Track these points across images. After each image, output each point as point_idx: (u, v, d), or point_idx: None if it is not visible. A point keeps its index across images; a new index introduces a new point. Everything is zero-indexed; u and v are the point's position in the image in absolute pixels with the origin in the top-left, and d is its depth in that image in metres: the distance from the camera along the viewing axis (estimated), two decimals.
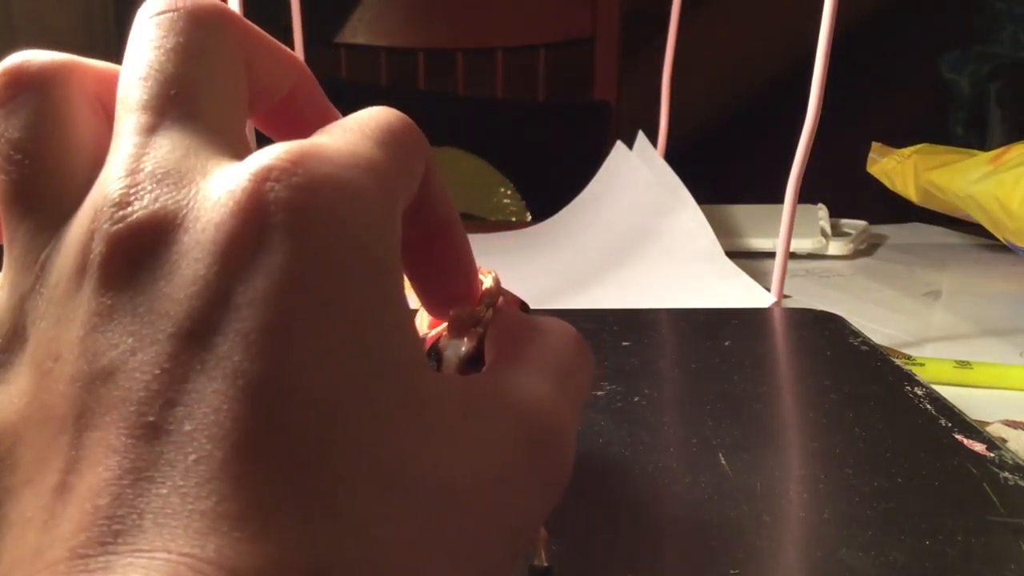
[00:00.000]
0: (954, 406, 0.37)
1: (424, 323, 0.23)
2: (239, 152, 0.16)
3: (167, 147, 0.16)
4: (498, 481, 0.16)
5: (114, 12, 1.34)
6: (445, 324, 0.22)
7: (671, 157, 0.76)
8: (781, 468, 0.32)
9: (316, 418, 0.14)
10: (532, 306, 0.25)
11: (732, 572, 0.25)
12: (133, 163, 0.16)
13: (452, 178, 1.18)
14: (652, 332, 0.49)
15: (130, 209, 0.15)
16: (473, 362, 0.20)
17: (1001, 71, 1.90)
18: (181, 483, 0.13)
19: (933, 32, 2.00)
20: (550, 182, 0.97)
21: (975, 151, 0.70)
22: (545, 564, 0.24)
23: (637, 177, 0.77)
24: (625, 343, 0.45)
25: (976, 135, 1.92)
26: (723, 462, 0.32)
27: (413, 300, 0.20)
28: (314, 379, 0.14)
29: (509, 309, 0.22)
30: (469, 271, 0.22)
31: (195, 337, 0.14)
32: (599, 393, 0.38)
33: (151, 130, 0.16)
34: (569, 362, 0.19)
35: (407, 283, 0.21)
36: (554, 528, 0.26)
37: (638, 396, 0.38)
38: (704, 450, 0.33)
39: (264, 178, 0.15)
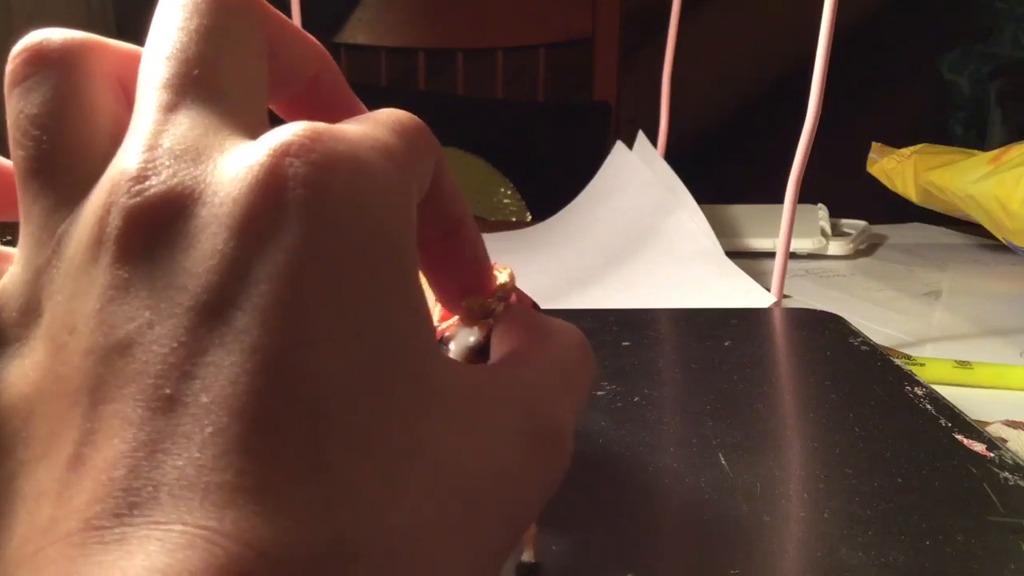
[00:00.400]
0: (954, 406, 0.37)
1: (435, 316, 0.23)
2: (258, 133, 0.16)
3: (186, 125, 0.16)
4: (501, 473, 0.16)
5: (114, 12, 1.34)
6: (456, 319, 0.22)
7: (671, 157, 0.76)
8: (781, 468, 0.32)
9: (331, 395, 0.14)
10: None
11: (732, 572, 0.25)
12: (152, 139, 0.16)
13: None
14: (652, 332, 0.49)
15: (148, 183, 0.15)
16: (480, 353, 0.20)
17: (1001, 71, 1.90)
18: (198, 455, 0.13)
19: (933, 32, 2.01)
20: (550, 182, 0.97)
21: (975, 151, 0.70)
22: (533, 560, 0.24)
23: (637, 177, 0.77)
24: (625, 343, 0.45)
25: (976, 135, 1.92)
26: (723, 462, 0.32)
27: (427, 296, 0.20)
28: (330, 356, 0.14)
29: (520, 306, 0.22)
30: (482, 267, 0.22)
31: (213, 310, 0.14)
32: (599, 393, 0.38)
33: (171, 108, 0.16)
34: (573, 364, 0.20)
35: (421, 278, 0.21)
36: (555, 527, 0.26)
37: (638, 396, 0.38)
38: (704, 450, 0.33)
39: (283, 153, 0.15)
